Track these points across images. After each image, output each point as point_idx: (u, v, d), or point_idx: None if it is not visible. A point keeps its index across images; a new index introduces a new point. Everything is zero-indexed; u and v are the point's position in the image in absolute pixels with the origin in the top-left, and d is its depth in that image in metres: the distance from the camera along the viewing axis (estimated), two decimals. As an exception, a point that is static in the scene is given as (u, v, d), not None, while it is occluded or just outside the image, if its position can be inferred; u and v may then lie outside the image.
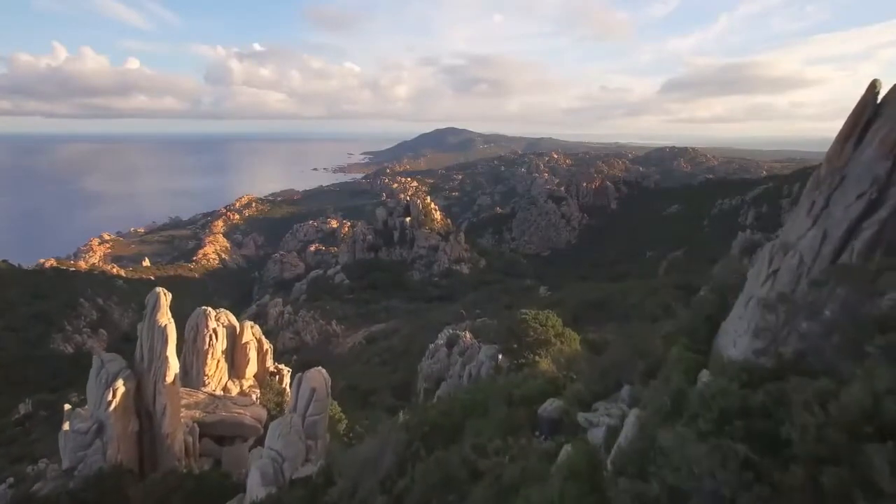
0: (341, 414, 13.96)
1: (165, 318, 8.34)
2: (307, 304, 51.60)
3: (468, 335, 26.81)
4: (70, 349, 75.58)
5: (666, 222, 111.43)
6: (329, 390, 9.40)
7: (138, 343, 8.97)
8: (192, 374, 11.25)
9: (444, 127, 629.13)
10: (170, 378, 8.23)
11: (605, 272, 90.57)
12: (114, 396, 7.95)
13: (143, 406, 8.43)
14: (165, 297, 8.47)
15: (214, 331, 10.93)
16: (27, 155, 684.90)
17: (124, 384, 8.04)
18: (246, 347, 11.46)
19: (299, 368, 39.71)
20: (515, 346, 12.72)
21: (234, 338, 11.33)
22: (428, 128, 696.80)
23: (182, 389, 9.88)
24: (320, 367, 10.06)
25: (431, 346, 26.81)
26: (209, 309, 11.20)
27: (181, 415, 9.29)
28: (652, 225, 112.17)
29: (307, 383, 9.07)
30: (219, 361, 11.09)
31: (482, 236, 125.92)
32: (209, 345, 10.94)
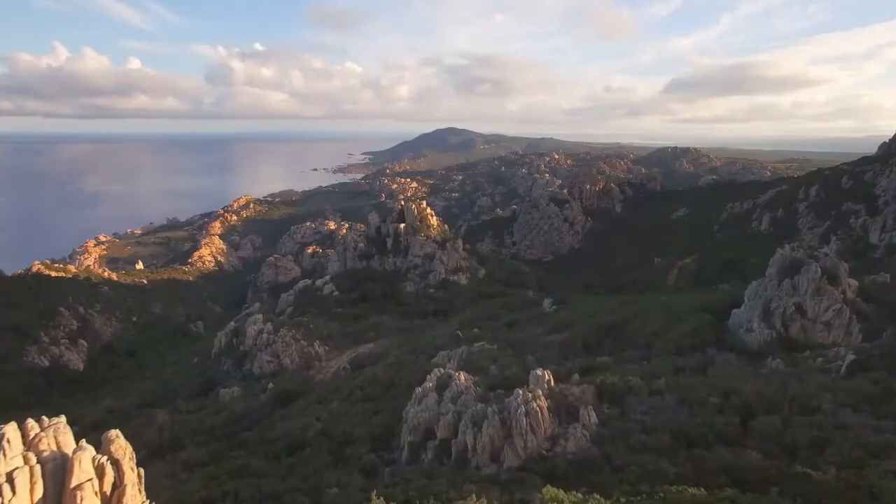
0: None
1: None
2: (291, 321, 47.29)
3: (462, 377, 22.50)
4: (45, 362, 71.33)
5: (674, 226, 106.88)
6: None
7: None
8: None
9: (444, 127, 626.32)
10: None
11: (612, 280, 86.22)
12: None
13: None
14: None
15: (11, 476, 6.34)
16: (28, 155, 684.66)
17: None
18: (77, 495, 6.80)
19: (276, 398, 35.49)
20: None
21: (62, 475, 6.89)
22: (429, 128, 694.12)
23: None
24: None
25: (419, 389, 22.52)
26: (9, 431, 6.44)
27: None
28: (659, 229, 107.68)
29: None
30: (25, 523, 6.54)
31: (482, 240, 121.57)
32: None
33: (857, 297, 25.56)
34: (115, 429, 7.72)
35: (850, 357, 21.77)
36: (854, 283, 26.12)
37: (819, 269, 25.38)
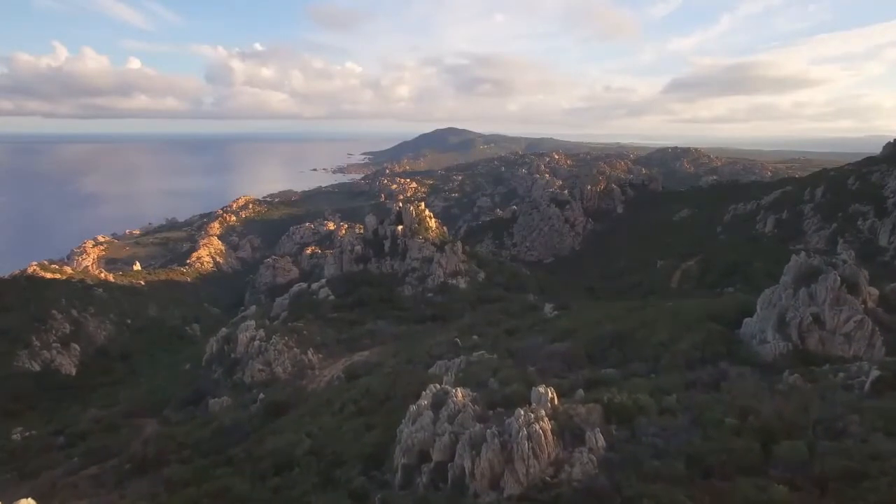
0: None
1: None
2: (284, 328, 45.86)
3: (460, 394, 21.09)
4: (36, 367, 69.91)
5: (676, 228, 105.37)
6: None
7: None
8: None
9: (444, 127, 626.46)
10: None
11: (614, 282, 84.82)
12: None
13: None
14: None
15: None
16: (27, 155, 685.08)
17: None
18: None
19: (266, 410, 34.05)
20: None
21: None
22: (429, 128, 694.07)
23: None
24: None
25: (413, 407, 21.11)
26: None
27: None
28: (661, 230, 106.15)
29: None
30: None
31: (482, 241, 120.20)
32: None
33: (877, 307, 24.15)
34: (29, 498, 6.36)
35: (875, 373, 20.32)
36: (874, 291, 24.69)
37: (838, 278, 23.96)
